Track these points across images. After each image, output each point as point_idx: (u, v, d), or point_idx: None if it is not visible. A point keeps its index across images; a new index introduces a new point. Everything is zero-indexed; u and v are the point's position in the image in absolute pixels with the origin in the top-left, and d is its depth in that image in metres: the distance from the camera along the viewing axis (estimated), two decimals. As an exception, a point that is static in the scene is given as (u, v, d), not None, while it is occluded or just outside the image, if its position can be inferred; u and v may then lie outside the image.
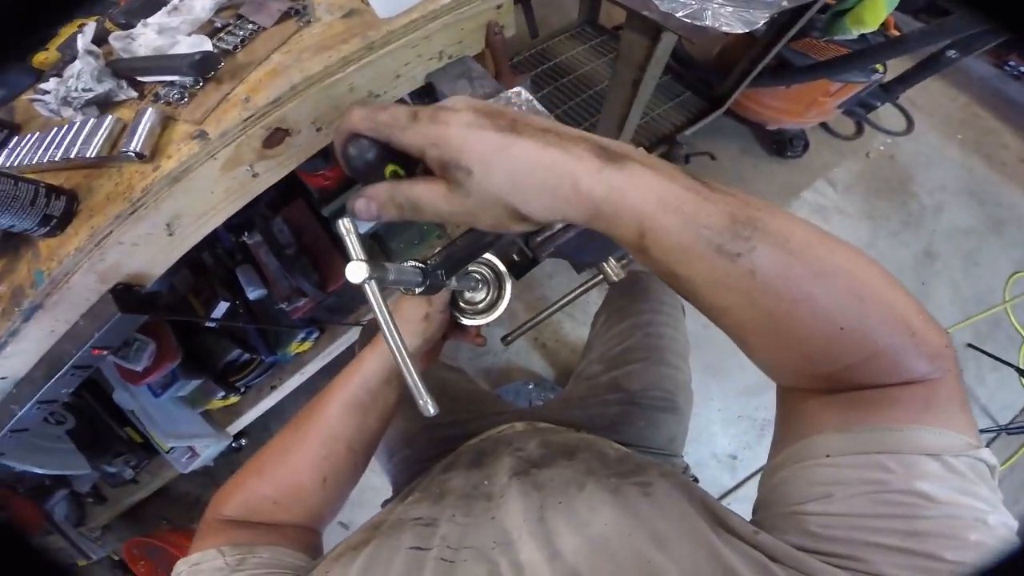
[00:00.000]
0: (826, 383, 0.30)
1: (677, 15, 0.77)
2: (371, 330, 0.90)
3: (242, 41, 0.68)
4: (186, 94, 0.65)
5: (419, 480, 0.61)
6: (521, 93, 0.79)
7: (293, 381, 1.40)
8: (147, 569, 1.41)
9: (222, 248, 1.28)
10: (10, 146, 0.68)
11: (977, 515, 0.24)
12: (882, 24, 1.27)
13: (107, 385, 1.19)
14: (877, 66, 1.42)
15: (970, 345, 1.75)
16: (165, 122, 0.63)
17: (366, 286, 0.32)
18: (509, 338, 0.75)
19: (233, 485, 0.52)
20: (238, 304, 1.23)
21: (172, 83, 0.66)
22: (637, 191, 0.27)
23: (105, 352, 0.68)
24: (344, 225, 0.40)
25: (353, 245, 0.39)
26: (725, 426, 1.59)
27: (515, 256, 0.64)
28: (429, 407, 0.33)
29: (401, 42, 0.67)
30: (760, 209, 0.28)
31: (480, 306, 0.58)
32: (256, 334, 1.28)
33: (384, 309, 0.36)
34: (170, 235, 0.67)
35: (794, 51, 1.39)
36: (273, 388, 1.39)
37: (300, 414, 0.53)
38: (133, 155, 0.59)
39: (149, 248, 0.67)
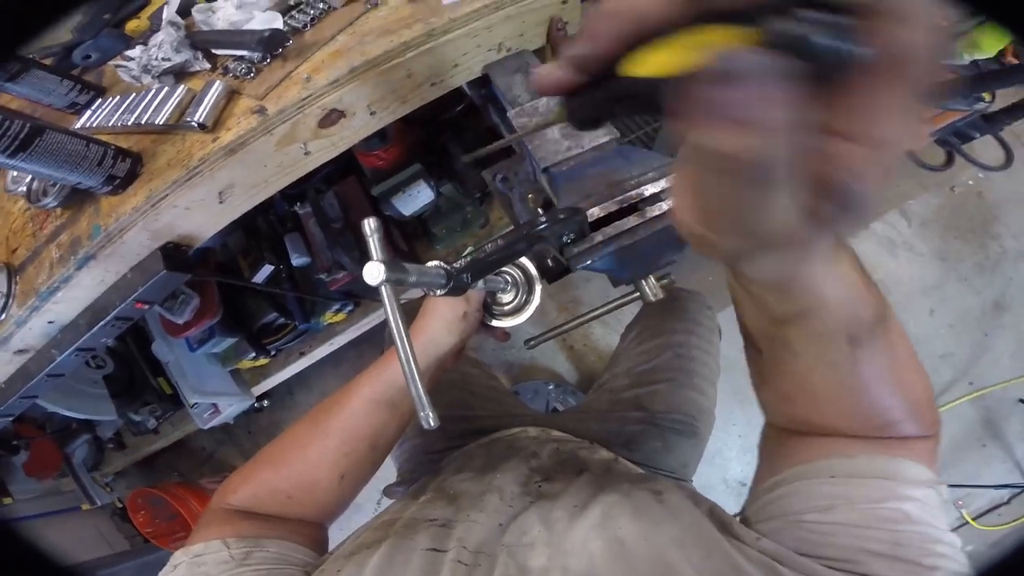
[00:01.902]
0: (834, 434, 0.34)
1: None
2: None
3: (312, 20, 0.69)
4: (253, 69, 0.66)
5: (430, 478, 0.61)
6: None
7: (322, 350, 1.44)
8: (145, 519, 1.48)
9: (275, 214, 1.32)
10: (93, 108, 0.72)
11: (939, 534, 0.30)
12: (999, 50, 1.13)
13: (149, 335, 1.24)
14: (983, 94, 1.28)
15: (1021, 400, 1.64)
16: (230, 96, 0.65)
17: (382, 288, 0.31)
18: (533, 342, 0.74)
19: (244, 475, 0.51)
20: (282, 269, 1.28)
21: (241, 58, 0.67)
22: (832, 278, 0.27)
23: (147, 306, 0.71)
24: (369, 225, 0.39)
25: (375, 246, 0.39)
26: (741, 452, 1.54)
27: (549, 261, 0.62)
28: (430, 420, 0.33)
29: (462, 31, 0.66)
30: (887, 306, 0.30)
31: (508, 307, 0.57)
32: (294, 300, 1.32)
33: (397, 313, 0.35)
34: (221, 203, 0.70)
35: None
36: (302, 354, 1.43)
37: (320, 407, 0.52)
38: (196, 125, 0.61)
39: (200, 213, 0.70)
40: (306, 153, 0.67)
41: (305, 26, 0.69)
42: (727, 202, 0.17)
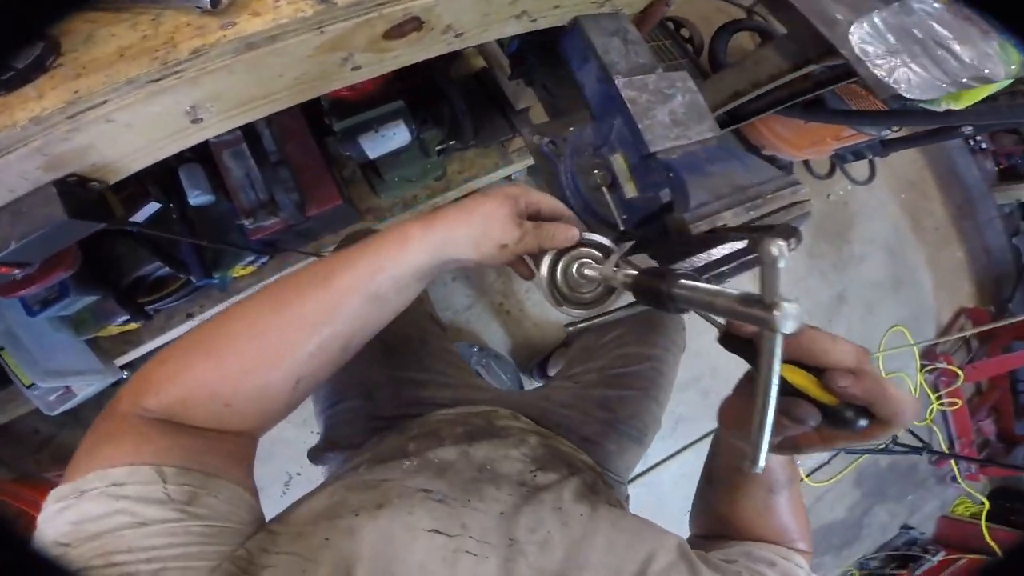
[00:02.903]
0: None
1: (869, 62, 0.67)
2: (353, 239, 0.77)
3: None
4: None
5: (398, 440, 0.54)
6: (687, 80, 0.67)
7: (217, 309, 1.14)
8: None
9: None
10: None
11: None
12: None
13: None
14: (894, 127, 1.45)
15: None
16: None
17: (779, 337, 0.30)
18: (573, 329, 0.69)
19: (170, 369, 0.37)
20: (172, 208, 0.94)
21: None
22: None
23: (16, 270, 0.46)
24: (780, 248, 0.32)
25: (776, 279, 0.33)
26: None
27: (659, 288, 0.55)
28: (760, 464, 0.30)
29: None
30: (796, 473, 0.48)
31: (579, 292, 0.49)
32: (190, 249, 0.99)
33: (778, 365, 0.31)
34: (192, 121, 0.45)
35: (832, 92, 1.38)
36: (190, 316, 1.12)
37: (284, 287, 0.39)
38: (203, 2, 0.36)
39: (145, 133, 0.47)
40: (354, 68, 0.46)
41: None
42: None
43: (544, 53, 0.79)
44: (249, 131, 0.92)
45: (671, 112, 0.64)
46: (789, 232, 0.59)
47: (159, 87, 0.40)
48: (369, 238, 0.41)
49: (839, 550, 2.17)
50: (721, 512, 0.49)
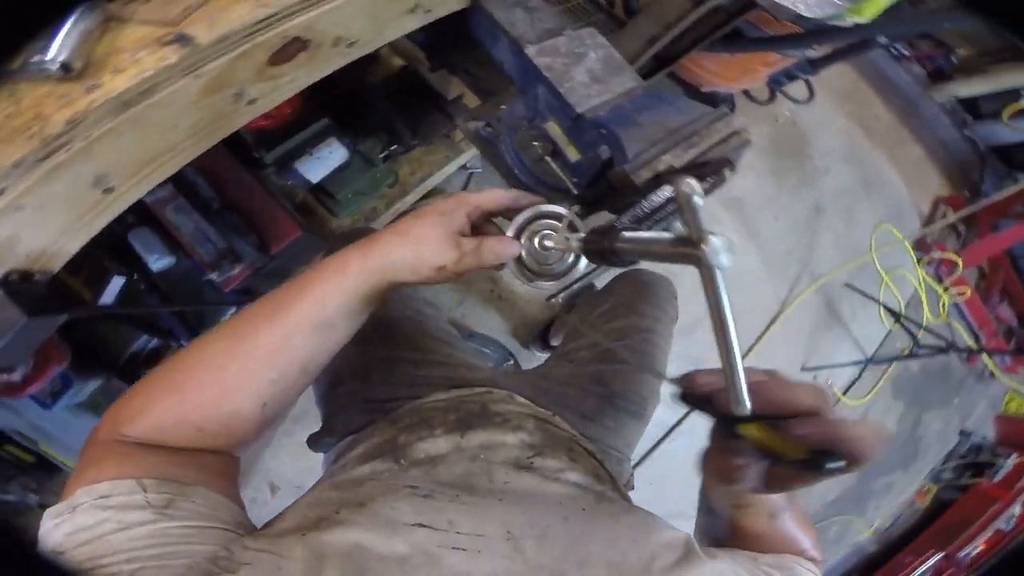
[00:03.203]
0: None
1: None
2: (345, 239, 0.75)
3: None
4: None
5: (386, 432, 0.53)
6: (595, 36, 0.65)
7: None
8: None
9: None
10: None
11: None
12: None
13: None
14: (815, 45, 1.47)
15: (847, 285, 2.06)
16: (107, 24, 0.39)
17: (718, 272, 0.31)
18: (554, 300, 0.69)
19: (141, 401, 0.39)
20: (136, 279, 0.93)
21: None
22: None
23: (14, 375, 0.45)
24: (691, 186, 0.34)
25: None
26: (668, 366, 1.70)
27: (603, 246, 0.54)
28: (745, 404, 0.29)
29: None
30: (792, 500, 0.45)
31: (547, 265, 0.48)
32: (169, 315, 0.98)
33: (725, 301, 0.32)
34: (104, 191, 0.44)
35: (747, 22, 1.39)
36: None
37: (241, 321, 0.41)
38: (52, 68, 0.34)
39: (64, 214, 0.44)
40: (250, 102, 0.44)
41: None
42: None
43: (457, 38, 0.77)
44: (181, 184, 0.89)
45: (588, 70, 0.63)
46: (724, 164, 0.58)
47: (50, 164, 0.38)
48: (315, 266, 0.41)
49: (905, 467, 2.16)
50: (725, 540, 0.47)
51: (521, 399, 0.64)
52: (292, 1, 0.40)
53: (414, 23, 0.53)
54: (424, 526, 0.34)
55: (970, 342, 2.22)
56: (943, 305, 2.21)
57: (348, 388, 0.64)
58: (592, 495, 0.42)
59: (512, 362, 1.49)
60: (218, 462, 0.40)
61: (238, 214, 0.94)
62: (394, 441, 0.51)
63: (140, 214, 0.93)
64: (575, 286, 1.54)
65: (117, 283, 0.89)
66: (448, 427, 0.51)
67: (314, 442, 0.64)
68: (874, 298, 2.08)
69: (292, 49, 0.43)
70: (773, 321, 1.92)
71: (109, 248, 0.91)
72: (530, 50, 0.58)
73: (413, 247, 0.40)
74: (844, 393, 2.01)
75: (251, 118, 0.48)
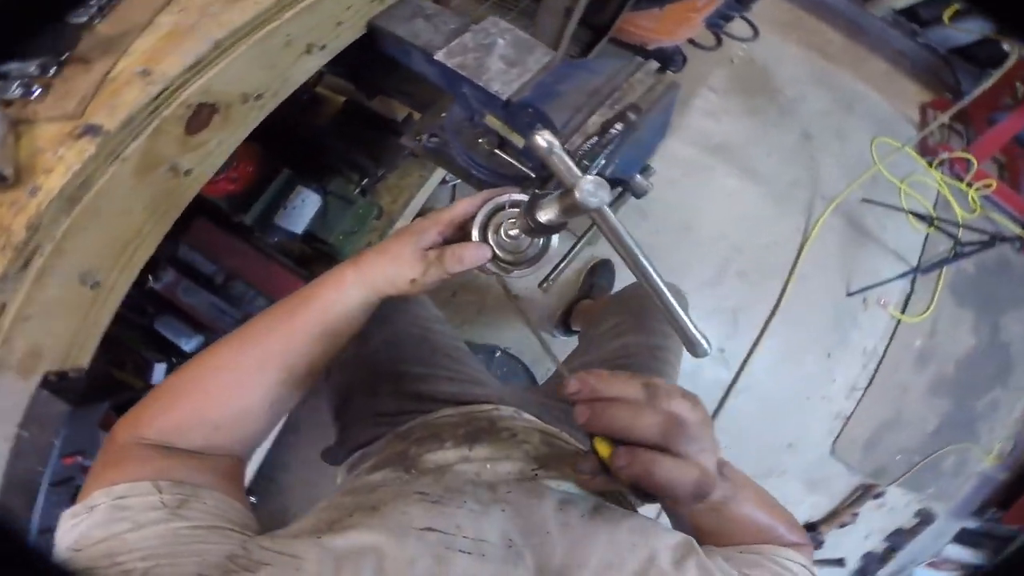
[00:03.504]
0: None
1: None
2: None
3: (100, 10, 0.49)
4: (35, 85, 0.45)
5: (397, 446, 0.56)
6: (499, 23, 0.67)
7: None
8: None
9: (120, 309, 1.01)
10: None
11: None
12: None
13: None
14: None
15: (864, 200, 1.98)
16: (17, 128, 0.43)
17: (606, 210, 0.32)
18: (546, 285, 0.69)
19: (161, 403, 0.44)
20: (176, 361, 1.00)
21: (5, 75, 0.45)
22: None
23: (80, 457, 0.51)
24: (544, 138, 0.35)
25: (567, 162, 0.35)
26: (702, 324, 1.67)
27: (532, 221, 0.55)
28: (707, 348, 0.32)
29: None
30: (735, 484, 0.45)
31: (521, 252, 0.48)
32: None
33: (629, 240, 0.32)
34: (92, 287, 0.48)
35: None
36: None
37: (249, 331, 0.45)
38: None
39: (69, 316, 0.49)
40: (186, 173, 0.48)
41: (93, 19, 0.48)
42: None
43: (376, 63, 0.80)
44: (180, 266, 0.95)
45: (501, 57, 0.64)
46: (633, 109, 0.58)
47: (34, 271, 0.42)
48: (318, 279, 0.46)
49: (1003, 379, 2.01)
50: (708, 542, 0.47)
51: (528, 416, 0.65)
52: (177, 72, 0.43)
53: (315, 62, 0.56)
54: (433, 530, 0.35)
55: (1016, 229, 2.08)
56: (973, 200, 2.10)
57: (358, 403, 0.68)
58: (591, 502, 0.42)
59: (530, 378, 1.50)
60: (227, 465, 0.43)
61: (243, 281, 0.99)
62: (405, 453, 0.53)
63: (157, 303, 1.00)
64: (562, 264, 1.52)
65: (160, 369, 0.96)
66: (457, 440, 0.52)
67: (328, 455, 0.67)
68: (898, 207, 1.98)
69: (204, 115, 0.46)
70: (800, 253, 1.84)
71: (144, 340, 0.99)
72: (440, 55, 0.60)
73: (391, 264, 0.44)
74: (903, 311, 1.90)
75: (199, 187, 0.52)
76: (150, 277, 0.99)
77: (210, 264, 0.96)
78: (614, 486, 0.34)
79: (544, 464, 0.48)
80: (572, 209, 0.35)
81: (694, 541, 0.40)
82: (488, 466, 0.47)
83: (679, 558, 0.37)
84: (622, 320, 0.83)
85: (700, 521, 0.45)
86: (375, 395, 0.67)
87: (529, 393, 0.78)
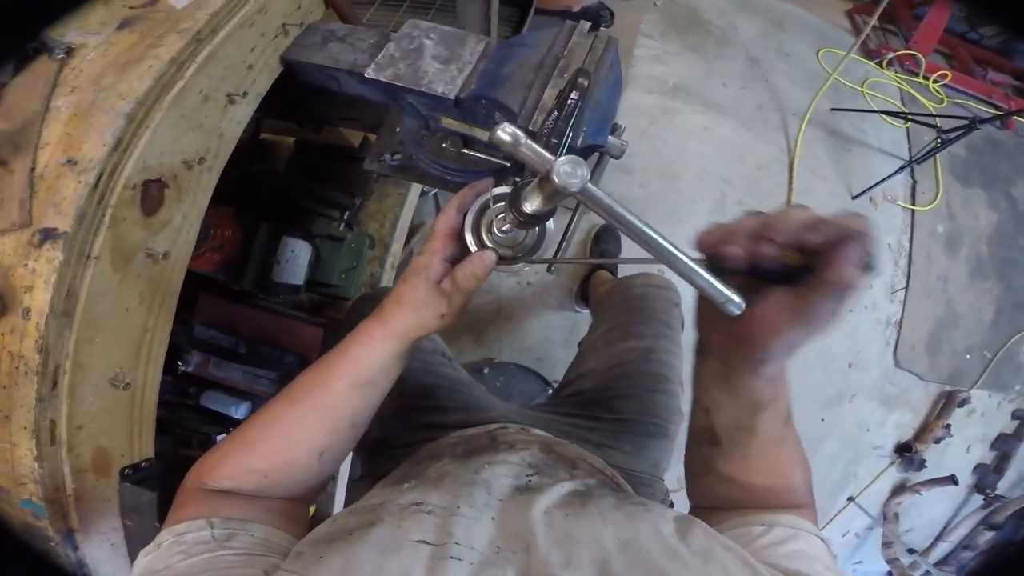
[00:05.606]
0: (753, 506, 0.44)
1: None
2: (365, 303, 0.78)
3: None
4: None
5: (407, 467, 0.57)
6: (419, 24, 0.64)
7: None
8: None
9: (167, 396, 1.01)
10: None
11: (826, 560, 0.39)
12: None
13: None
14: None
15: (833, 109, 1.92)
16: None
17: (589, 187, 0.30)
18: (553, 269, 0.67)
19: (219, 456, 0.45)
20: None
21: None
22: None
23: None
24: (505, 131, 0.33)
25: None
26: None
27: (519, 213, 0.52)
28: (740, 305, 0.30)
29: (234, 22, 0.49)
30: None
31: (518, 243, 0.46)
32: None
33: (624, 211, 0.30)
34: (125, 388, 0.47)
35: None
36: None
37: (297, 387, 0.47)
38: None
39: (118, 418, 0.49)
40: (164, 256, 0.46)
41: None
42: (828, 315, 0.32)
43: (307, 97, 0.76)
44: (201, 346, 0.94)
45: (435, 57, 0.60)
46: (582, 74, 0.54)
47: (64, 390, 0.42)
48: (350, 335, 0.47)
49: None
50: (727, 472, 0.44)
51: (536, 431, 0.64)
52: (104, 155, 0.40)
53: (244, 111, 0.53)
54: (427, 543, 0.35)
55: (990, 110, 2.06)
56: (936, 90, 2.09)
57: (373, 436, 0.65)
58: (579, 502, 0.41)
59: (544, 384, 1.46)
60: (286, 506, 0.45)
61: (265, 344, 0.99)
62: (409, 472, 0.54)
63: (196, 382, 1.01)
64: (564, 244, 1.50)
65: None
66: (455, 456, 0.53)
67: (353, 488, 0.69)
68: (868, 109, 1.94)
69: (155, 193, 0.44)
70: (792, 169, 1.78)
71: (198, 418, 1.00)
72: (370, 72, 0.57)
73: (412, 311, 0.44)
74: (913, 202, 1.84)
75: (184, 266, 0.50)
76: (179, 363, 1.00)
77: (227, 336, 0.95)
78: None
79: (539, 470, 0.48)
80: (555, 194, 0.32)
81: (685, 516, 0.39)
82: (483, 473, 0.46)
83: (683, 530, 0.36)
84: (612, 327, 0.82)
85: (763, 428, 0.41)
86: (386, 427, 0.67)
87: (538, 411, 0.76)
